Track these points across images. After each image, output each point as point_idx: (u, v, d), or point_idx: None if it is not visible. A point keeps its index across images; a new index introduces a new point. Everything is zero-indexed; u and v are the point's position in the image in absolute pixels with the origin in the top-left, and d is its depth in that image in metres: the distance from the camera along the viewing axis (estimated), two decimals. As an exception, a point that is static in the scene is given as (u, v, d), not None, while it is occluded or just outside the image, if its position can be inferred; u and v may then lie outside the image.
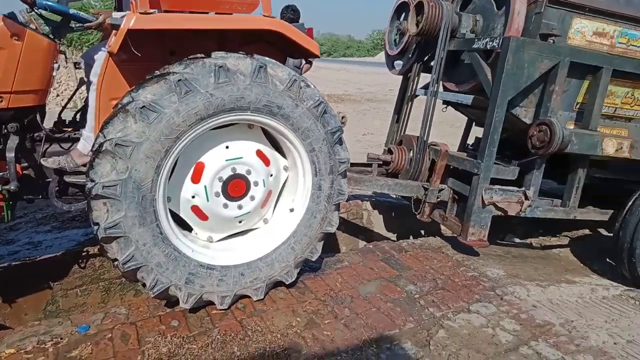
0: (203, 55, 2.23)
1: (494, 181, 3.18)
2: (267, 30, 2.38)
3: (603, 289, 3.21)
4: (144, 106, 2.04)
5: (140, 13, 2.05)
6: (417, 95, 3.91)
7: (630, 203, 3.23)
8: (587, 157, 3.26)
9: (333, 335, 2.36)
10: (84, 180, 2.17)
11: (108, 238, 2.11)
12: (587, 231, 4.26)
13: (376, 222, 4.18)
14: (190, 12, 2.37)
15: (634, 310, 2.99)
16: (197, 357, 2.12)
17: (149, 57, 2.32)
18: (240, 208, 2.53)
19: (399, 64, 4.07)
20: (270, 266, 2.58)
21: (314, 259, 2.71)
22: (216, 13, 2.42)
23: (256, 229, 2.75)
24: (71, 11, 2.50)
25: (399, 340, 2.35)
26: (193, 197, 2.42)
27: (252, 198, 2.55)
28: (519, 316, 2.60)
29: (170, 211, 2.37)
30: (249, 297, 2.58)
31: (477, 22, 3.44)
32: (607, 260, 3.57)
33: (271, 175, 2.61)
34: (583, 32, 3.22)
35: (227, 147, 2.45)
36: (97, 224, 2.10)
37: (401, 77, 4.12)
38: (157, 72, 2.17)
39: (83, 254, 3.22)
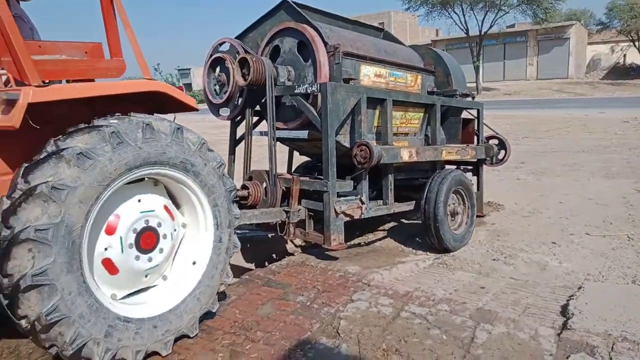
0: (119, 114, 2.39)
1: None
2: (151, 92, 2.58)
3: (422, 262, 4.23)
4: (80, 152, 2.10)
5: (36, 86, 2.04)
6: (251, 137, 4.40)
7: (426, 189, 4.39)
8: (392, 165, 4.29)
9: (260, 356, 2.62)
10: None
11: (30, 287, 1.99)
12: (392, 224, 5.40)
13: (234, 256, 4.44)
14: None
15: (445, 271, 4.06)
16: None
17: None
18: (150, 260, 2.59)
19: (225, 110, 4.52)
20: (179, 318, 2.67)
21: (214, 310, 2.90)
22: (83, 80, 2.49)
23: (155, 286, 2.78)
24: None
25: (315, 340, 2.76)
26: (106, 249, 2.40)
27: (161, 250, 2.63)
28: (387, 293, 3.31)
29: None
30: (156, 353, 2.56)
31: (289, 72, 4.17)
32: (416, 239, 4.67)
33: (175, 230, 2.73)
34: (368, 74, 4.27)
35: (139, 201, 2.56)
36: (10, 275, 1.98)
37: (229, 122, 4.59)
38: (82, 125, 2.27)
39: None
